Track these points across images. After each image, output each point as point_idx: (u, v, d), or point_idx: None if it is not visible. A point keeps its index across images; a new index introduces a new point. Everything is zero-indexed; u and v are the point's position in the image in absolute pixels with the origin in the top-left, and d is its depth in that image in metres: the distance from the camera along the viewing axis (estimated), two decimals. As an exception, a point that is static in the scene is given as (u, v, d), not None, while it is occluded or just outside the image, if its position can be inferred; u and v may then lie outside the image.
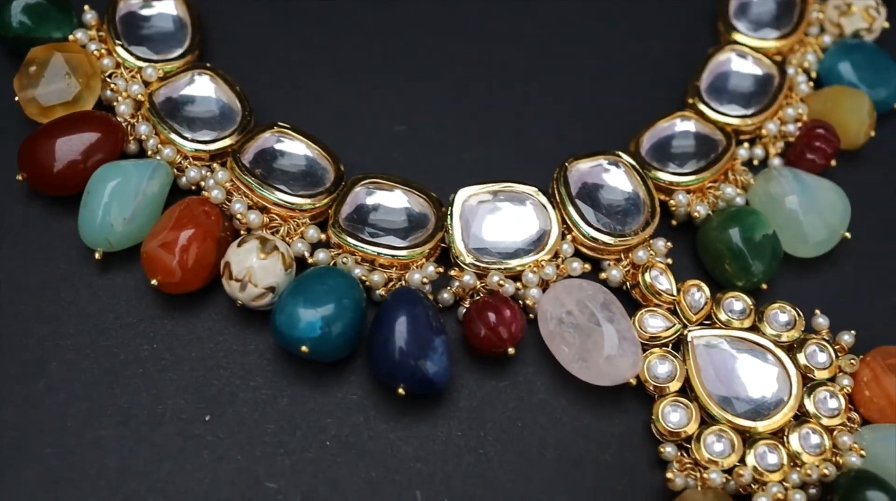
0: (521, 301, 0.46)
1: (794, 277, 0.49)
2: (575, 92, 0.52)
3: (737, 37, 0.52)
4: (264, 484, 0.44)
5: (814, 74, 0.53)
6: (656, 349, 0.46)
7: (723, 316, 0.47)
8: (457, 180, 0.48)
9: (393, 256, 0.46)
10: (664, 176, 0.48)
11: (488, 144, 0.51)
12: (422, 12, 0.54)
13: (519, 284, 0.46)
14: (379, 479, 0.44)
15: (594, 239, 0.47)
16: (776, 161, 0.51)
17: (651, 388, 0.45)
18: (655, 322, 0.46)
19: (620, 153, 0.48)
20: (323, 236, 0.47)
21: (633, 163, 0.48)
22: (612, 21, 0.54)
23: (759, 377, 0.45)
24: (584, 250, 0.47)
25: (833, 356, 0.46)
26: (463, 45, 0.53)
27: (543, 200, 0.47)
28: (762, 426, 0.44)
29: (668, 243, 0.47)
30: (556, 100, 0.52)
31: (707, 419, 0.45)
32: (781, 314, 0.47)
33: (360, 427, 0.45)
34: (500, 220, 0.47)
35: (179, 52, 0.50)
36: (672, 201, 0.48)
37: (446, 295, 0.47)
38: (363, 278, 0.46)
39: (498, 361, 0.46)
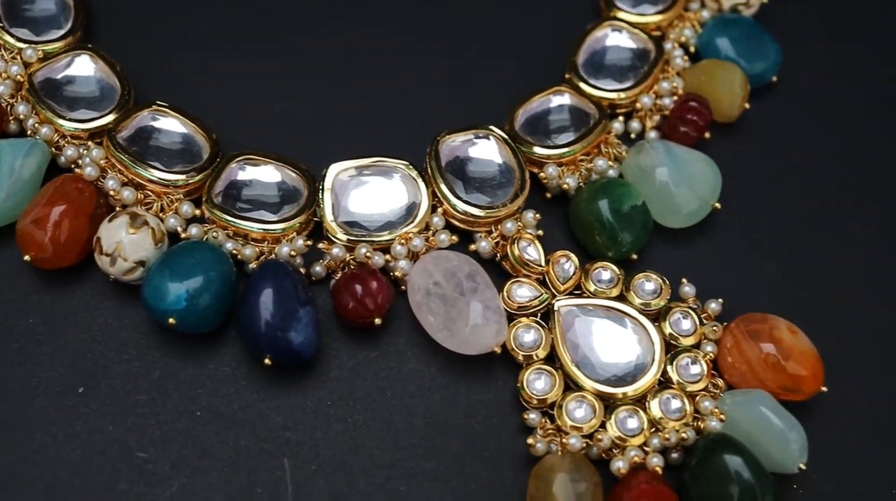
0: (391, 273, 0.48)
1: (667, 247, 0.50)
2: (459, 70, 0.53)
3: (617, 13, 0.53)
4: (135, 454, 0.45)
5: (692, 49, 0.54)
6: (524, 319, 0.47)
7: (591, 286, 0.48)
8: (337, 157, 0.49)
9: (264, 230, 0.47)
10: (538, 150, 0.49)
11: (370, 122, 0.52)
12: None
13: (388, 256, 0.48)
14: (248, 447, 0.45)
15: (464, 212, 0.48)
16: (652, 134, 0.51)
17: (519, 357, 0.47)
18: (523, 292, 0.47)
19: (492, 127, 0.49)
20: (198, 212, 0.48)
21: (505, 136, 0.49)
22: (504, 8, 0.55)
23: (622, 344, 0.46)
24: (456, 222, 0.48)
25: (698, 323, 0.47)
26: (346, 23, 0.54)
27: (414, 173, 0.48)
28: (624, 391, 0.46)
29: (537, 215, 0.48)
30: (439, 78, 0.53)
31: (573, 386, 0.46)
32: (647, 282, 0.48)
33: (230, 398, 0.46)
34: (370, 193, 0.48)
35: (61, 33, 0.50)
36: (542, 174, 0.49)
37: (318, 268, 0.47)
38: (235, 252, 0.47)
39: (370, 332, 0.47)
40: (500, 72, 0.53)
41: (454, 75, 0.53)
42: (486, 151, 0.49)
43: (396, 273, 0.47)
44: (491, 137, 0.49)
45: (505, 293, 0.47)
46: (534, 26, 0.55)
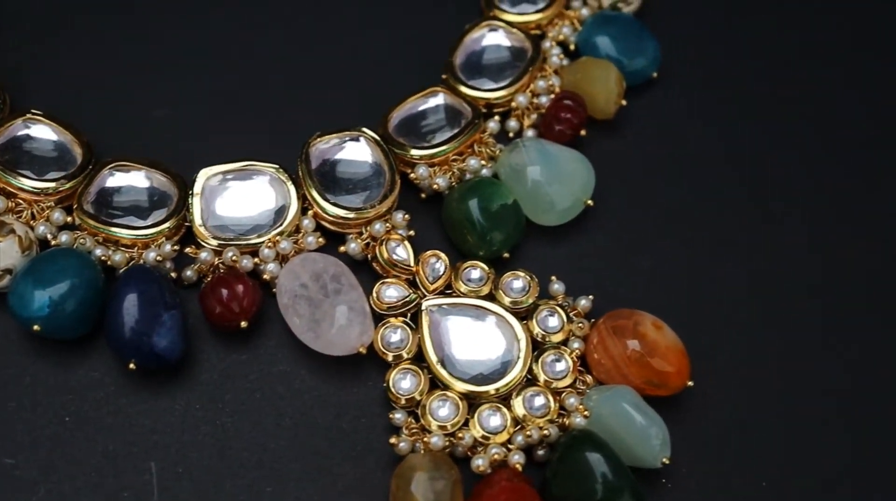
0: (261, 276, 0.48)
1: (542, 244, 0.50)
2: (339, 72, 0.54)
3: (497, 13, 0.54)
4: (2, 460, 0.45)
5: (572, 47, 0.54)
6: (393, 319, 0.48)
7: (462, 285, 0.48)
8: (212, 161, 0.49)
9: (133, 236, 0.47)
10: (410, 151, 0.50)
11: (248, 125, 0.52)
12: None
13: (257, 259, 0.48)
14: (116, 451, 0.45)
15: (333, 214, 0.48)
16: (529, 132, 0.52)
17: (388, 357, 0.47)
18: (392, 293, 0.47)
19: (364, 129, 0.50)
20: (70, 219, 0.48)
21: (377, 138, 0.50)
22: (383, 2, 0.56)
23: (488, 343, 0.47)
24: (326, 224, 0.49)
25: (565, 320, 0.47)
26: (225, 25, 0.54)
27: (283, 176, 0.49)
28: (489, 390, 0.46)
29: (407, 216, 0.49)
30: (319, 80, 0.53)
31: (440, 385, 0.47)
32: (516, 281, 0.48)
33: (99, 403, 0.46)
34: (239, 197, 0.48)
35: (-62, 44, 0.51)
36: (413, 174, 0.50)
37: (189, 272, 0.48)
38: (105, 258, 0.47)
39: (240, 334, 0.48)
40: (381, 74, 0.54)
41: (335, 78, 0.53)
42: (358, 152, 0.49)
43: (266, 276, 0.48)
44: (362, 139, 0.49)
45: (374, 294, 0.48)
46: (418, 27, 0.55)
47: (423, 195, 0.50)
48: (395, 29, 0.55)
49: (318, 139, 0.49)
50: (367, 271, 0.49)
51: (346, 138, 0.49)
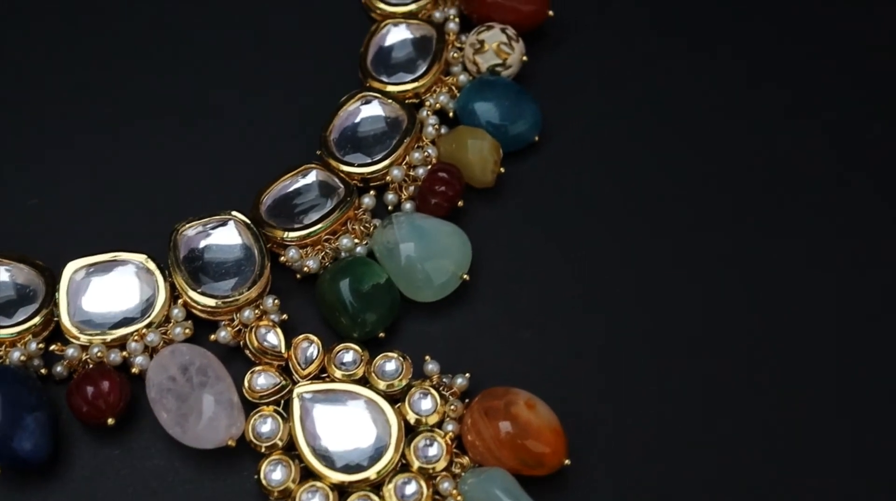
0: (131, 369, 0.47)
1: (420, 321, 0.50)
2: (217, 153, 0.53)
3: (374, 83, 0.53)
4: None
5: (451, 114, 0.53)
6: (264, 408, 0.47)
7: (335, 369, 0.48)
8: (84, 252, 0.49)
9: (-2, 335, 0.47)
10: (281, 233, 0.49)
11: (120, 214, 0.51)
12: (57, 80, 0.54)
13: (125, 353, 0.47)
14: (-14, 556, 0.45)
15: (201, 303, 0.48)
16: (408, 205, 0.51)
17: (261, 448, 0.46)
18: (263, 381, 0.47)
19: (234, 213, 0.49)
20: (-65, 318, 0.48)
21: (246, 221, 0.49)
22: (263, 81, 0.55)
23: (360, 430, 0.46)
24: (196, 312, 0.48)
25: (438, 401, 0.47)
26: (100, 113, 0.53)
27: (152, 266, 0.48)
28: (361, 478, 0.45)
29: (277, 301, 0.48)
30: (197, 164, 0.53)
31: (314, 475, 0.46)
32: (388, 363, 0.47)
33: (-31, 508, 0.46)
34: (107, 290, 0.48)
35: None
36: (283, 258, 0.49)
37: (60, 368, 0.47)
38: (-30, 358, 0.47)
39: (114, 429, 0.47)
40: (258, 151, 0.53)
41: (210, 159, 0.53)
42: (226, 237, 0.49)
43: (134, 369, 0.47)
44: (231, 223, 0.49)
45: (245, 383, 0.47)
46: (297, 99, 0.54)
47: (298, 276, 0.50)
48: (274, 102, 0.54)
49: (187, 225, 0.49)
50: (242, 358, 0.48)
51: (215, 223, 0.49)
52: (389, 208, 0.51)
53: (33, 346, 0.47)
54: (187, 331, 0.48)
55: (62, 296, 0.48)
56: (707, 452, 0.47)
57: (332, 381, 0.47)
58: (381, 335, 0.49)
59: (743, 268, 0.51)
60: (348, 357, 0.48)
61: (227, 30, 0.56)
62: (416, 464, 0.46)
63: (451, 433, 0.46)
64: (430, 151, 0.52)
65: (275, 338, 0.48)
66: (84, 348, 0.47)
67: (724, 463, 0.47)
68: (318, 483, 0.45)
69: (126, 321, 0.47)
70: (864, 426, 0.47)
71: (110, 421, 0.46)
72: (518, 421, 0.46)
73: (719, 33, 0.56)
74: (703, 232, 0.52)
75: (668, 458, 0.47)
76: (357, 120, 0.52)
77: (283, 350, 0.48)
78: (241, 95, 0.54)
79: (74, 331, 0.47)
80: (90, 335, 0.47)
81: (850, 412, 0.48)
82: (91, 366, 0.47)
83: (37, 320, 0.47)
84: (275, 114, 0.54)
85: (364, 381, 0.47)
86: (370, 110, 0.52)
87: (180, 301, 0.48)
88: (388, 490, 0.45)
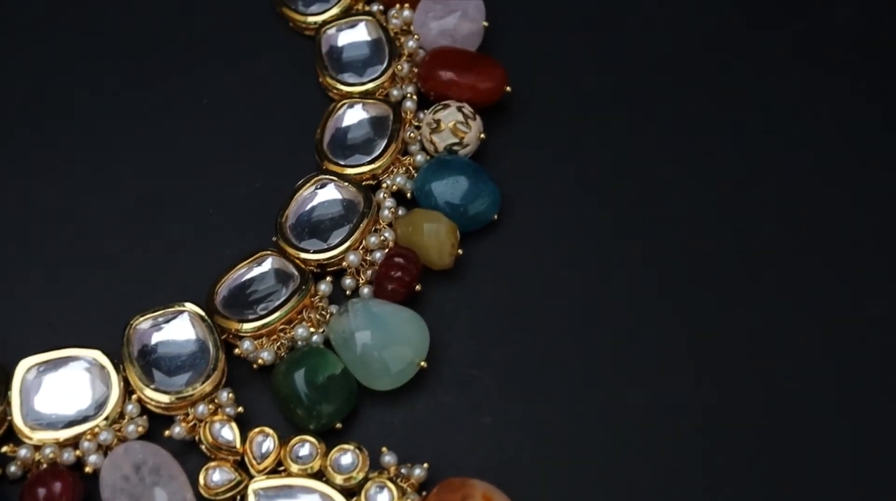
0: (84, 468, 0.47)
1: (379, 409, 0.49)
2: (175, 240, 0.53)
3: (331, 166, 0.53)
4: None
5: (409, 195, 0.53)
6: (221, 505, 0.47)
7: (291, 462, 0.47)
8: (36, 350, 0.49)
9: (-50, 437, 0.47)
10: (236, 325, 0.49)
11: (76, 306, 0.51)
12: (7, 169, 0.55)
13: (78, 451, 0.47)
14: None
15: (155, 399, 0.47)
16: (366, 290, 0.51)
17: (214, 545, 0.46)
18: (218, 477, 0.46)
19: (187, 304, 0.49)
20: None
21: (201, 313, 0.49)
22: (220, 166, 0.54)
23: (325, 525, 0.46)
24: (151, 408, 0.48)
25: (395, 495, 0.46)
26: (52, 202, 0.53)
27: (105, 362, 0.48)
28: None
29: (231, 395, 0.48)
30: (152, 247, 0.52)
31: (269, 572, 0.46)
32: (343, 456, 0.47)
33: None
34: (59, 388, 0.48)
35: None
36: (238, 350, 0.49)
37: (14, 469, 0.47)
38: (-78, 461, 0.47)
39: (68, 530, 0.47)
40: (215, 233, 0.53)
41: (162, 245, 0.52)
42: (180, 331, 0.48)
43: (88, 469, 0.47)
44: (185, 315, 0.49)
45: (201, 480, 0.47)
46: (255, 187, 0.54)
47: (255, 366, 0.50)
48: (230, 187, 0.54)
49: (140, 319, 0.49)
50: (197, 452, 0.48)
51: (169, 316, 0.49)
52: (347, 292, 0.51)
53: (-16, 447, 0.47)
54: (140, 429, 0.47)
55: (14, 396, 0.47)
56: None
57: (289, 475, 0.47)
58: (339, 425, 0.48)
59: (707, 338, 0.51)
60: (304, 451, 0.47)
61: (181, 112, 0.56)
62: (373, 563, 0.45)
63: (409, 527, 0.46)
64: (386, 234, 0.51)
65: (229, 433, 0.47)
66: (37, 448, 0.47)
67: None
68: (274, 584, 0.45)
69: (79, 420, 0.47)
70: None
71: (63, 524, 0.46)
72: (475, 515, 0.46)
73: (674, 104, 0.56)
74: (667, 304, 0.51)
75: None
76: (313, 204, 0.52)
77: (237, 445, 0.47)
78: (196, 181, 0.54)
79: (27, 431, 0.47)
80: (43, 433, 0.47)
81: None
82: (44, 467, 0.47)
83: (-10, 420, 0.47)
84: (231, 199, 0.54)
85: (320, 474, 0.47)
86: (326, 194, 0.52)
87: (134, 397, 0.48)
88: (345, 589, 0.45)
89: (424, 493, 0.47)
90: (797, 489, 0.48)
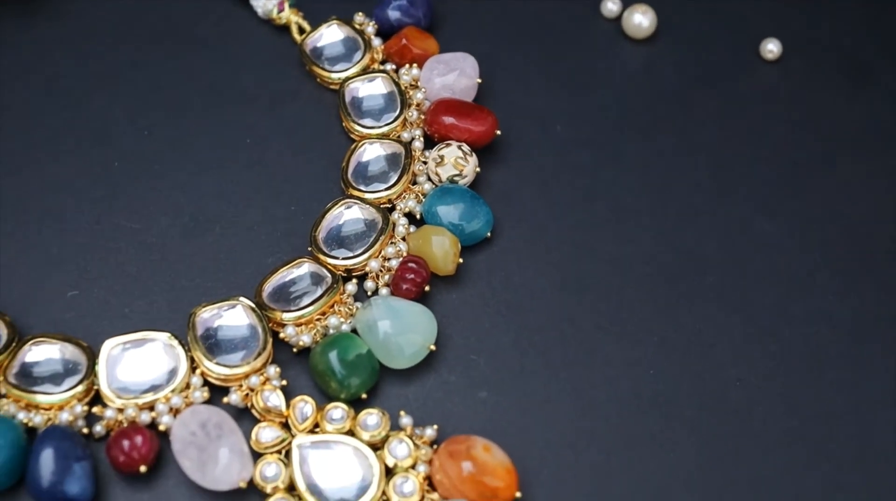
0: (158, 427, 0.57)
1: (396, 385, 0.60)
2: (226, 249, 0.64)
3: (354, 192, 0.64)
4: None
5: (418, 216, 0.65)
6: (270, 456, 0.57)
7: (327, 424, 0.58)
8: (115, 332, 0.59)
9: (50, 401, 0.57)
10: (280, 315, 0.60)
11: (146, 299, 0.62)
12: (72, 174, 0.66)
13: (154, 413, 0.57)
14: (40, 584, 0.54)
15: (215, 372, 0.58)
16: (384, 291, 0.62)
17: (267, 488, 0.56)
18: (267, 435, 0.57)
19: (241, 298, 0.60)
20: (-2, 389, 0.58)
21: (252, 305, 0.60)
22: (263, 192, 0.66)
23: (348, 471, 0.56)
24: (212, 380, 0.58)
25: (412, 448, 0.57)
26: (124, 217, 0.64)
27: (174, 343, 0.58)
28: (350, 510, 0.55)
29: (278, 369, 0.58)
30: (210, 258, 0.63)
31: (310, 509, 0.56)
32: (370, 417, 0.58)
33: (28, 544, 0.56)
34: (137, 363, 0.58)
35: None
36: (282, 334, 0.60)
37: (99, 428, 0.57)
38: (27, 421, 0.57)
39: (144, 476, 0.57)
40: (260, 243, 0.64)
41: (220, 253, 0.63)
42: (235, 318, 0.59)
43: (161, 427, 0.57)
44: (239, 306, 0.59)
45: (253, 436, 0.57)
46: (289, 202, 0.66)
47: (295, 349, 0.60)
48: (272, 208, 0.65)
49: (202, 309, 0.59)
50: (249, 416, 0.58)
51: (226, 307, 0.60)
52: (368, 292, 0.62)
53: (78, 409, 0.57)
54: (205, 395, 0.58)
55: (101, 368, 0.58)
56: (634, 486, 0.58)
57: (325, 433, 0.57)
58: (364, 396, 0.59)
59: (684, 334, 0.62)
60: (337, 414, 0.58)
61: (230, 149, 0.67)
62: (394, 499, 0.56)
63: (422, 474, 0.56)
64: (401, 246, 0.63)
65: (277, 400, 0.58)
66: (120, 410, 0.57)
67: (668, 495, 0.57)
68: (315, 515, 0.55)
69: (154, 388, 0.58)
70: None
71: (143, 469, 0.56)
72: (477, 462, 0.56)
73: (632, 145, 0.68)
74: (631, 296, 0.63)
75: (602, 493, 0.57)
76: (341, 222, 0.63)
77: (283, 410, 0.58)
78: (244, 204, 0.65)
79: (112, 396, 0.57)
80: (125, 399, 0.57)
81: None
82: (125, 425, 0.57)
83: (80, 388, 0.57)
84: (273, 218, 0.65)
85: (350, 433, 0.58)
86: (351, 214, 0.63)
87: (198, 371, 0.58)
88: (372, 519, 0.55)
89: (435, 446, 0.58)
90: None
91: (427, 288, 0.62)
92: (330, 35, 0.70)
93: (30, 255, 0.63)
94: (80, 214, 0.65)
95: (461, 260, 0.63)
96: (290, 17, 0.71)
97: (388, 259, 0.63)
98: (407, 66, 0.69)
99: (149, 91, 0.69)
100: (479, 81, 0.68)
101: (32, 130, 0.67)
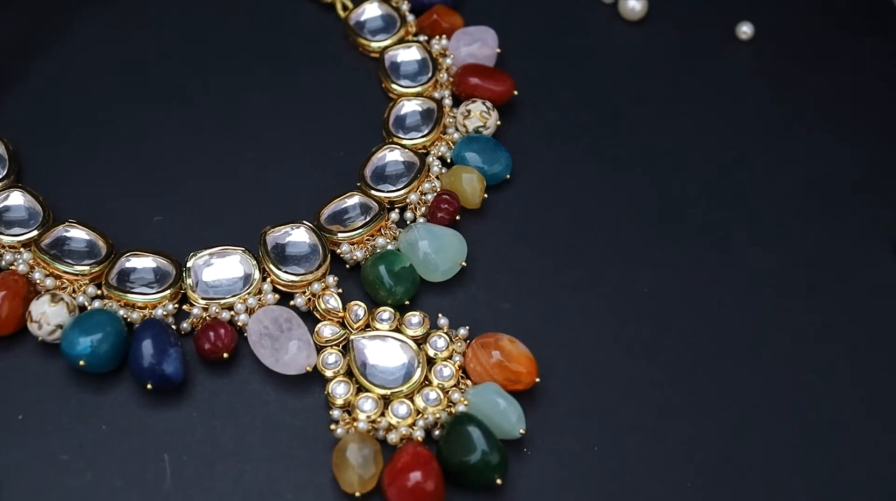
0: (236, 324, 0.68)
1: (433, 295, 0.71)
2: (288, 184, 0.75)
3: (394, 139, 0.75)
4: (59, 457, 0.64)
5: (448, 160, 0.76)
6: (330, 348, 0.67)
7: (377, 324, 0.68)
8: (196, 246, 0.70)
9: (145, 300, 0.67)
10: (336, 235, 0.71)
11: (221, 220, 0.73)
12: (173, 122, 0.77)
13: (233, 312, 0.68)
14: (141, 448, 0.64)
15: (284, 280, 0.69)
16: (420, 219, 0.73)
17: (327, 373, 0.67)
18: (328, 331, 0.68)
19: (304, 221, 0.71)
20: (100, 291, 0.68)
21: (313, 227, 0.70)
22: (320, 138, 0.77)
23: (396, 359, 0.67)
24: (280, 286, 0.69)
25: (449, 342, 0.68)
26: (205, 153, 0.75)
27: (248, 256, 0.69)
28: (398, 390, 0.66)
29: (336, 278, 0.69)
30: (276, 190, 0.74)
31: (364, 390, 0.66)
32: (413, 318, 0.68)
33: (128, 416, 0.65)
34: (219, 270, 0.69)
35: (1, 175, 0.72)
36: (339, 251, 0.70)
37: (185, 324, 0.68)
38: (126, 317, 0.67)
39: (224, 364, 0.67)
40: (315, 180, 0.75)
41: (284, 187, 0.74)
42: (300, 237, 0.70)
43: (239, 323, 0.68)
44: (302, 227, 0.70)
45: (316, 332, 0.68)
46: (338, 148, 0.77)
47: (347, 265, 0.71)
48: (327, 150, 0.76)
49: (272, 229, 0.70)
50: (311, 317, 0.69)
51: (291, 228, 0.70)
52: (407, 221, 0.73)
53: (169, 307, 0.67)
54: (276, 296, 0.69)
55: (189, 274, 0.68)
56: (644, 371, 0.69)
57: (375, 331, 0.68)
58: (407, 302, 0.70)
59: (671, 259, 0.73)
60: (385, 315, 0.68)
61: (292, 106, 0.78)
62: (435, 382, 0.66)
63: (457, 363, 0.67)
64: (435, 183, 0.74)
65: (335, 302, 0.69)
66: (204, 309, 0.68)
67: (657, 380, 0.68)
68: (370, 394, 0.65)
69: (232, 291, 0.68)
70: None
71: (225, 355, 0.66)
72: (503, 351, 0.67)
73: (630, 106, 0.80)
74: (632, 236, 0.74)
75: (612, 381, 0.68)
76: (384, 162, 0.74)
77: (340, 311, 0.68)
78: (302, 150, 0.76)
79: (198, 297, 0.68)
80: (209, 300, 0.68)
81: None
82: (209, 320, 0.68)
83: (171, 291, 0.68)
84: (328, 158, 0.76)
85: (397, 330, 0.68)
86: (393, 156, 0.74)
87: (269, 278, 0.69)
88: (418, 397, 0.66)
89: (468, 341, 0.68)
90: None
91: (458, 218, 0.73)
92: (371, 11, 0.81)
93: (124, 188, 0.74)
94: (166, 157, 0.76)
95: (486, 195, 0.74)
96: (335, -3, 0.83)
97: (425, 194, 0.74)
98: (437, 37, 0.81)
99: (220, 57, 0.80)
100: (499, 51, 0.79)
101: (122, 87, 0.79)
